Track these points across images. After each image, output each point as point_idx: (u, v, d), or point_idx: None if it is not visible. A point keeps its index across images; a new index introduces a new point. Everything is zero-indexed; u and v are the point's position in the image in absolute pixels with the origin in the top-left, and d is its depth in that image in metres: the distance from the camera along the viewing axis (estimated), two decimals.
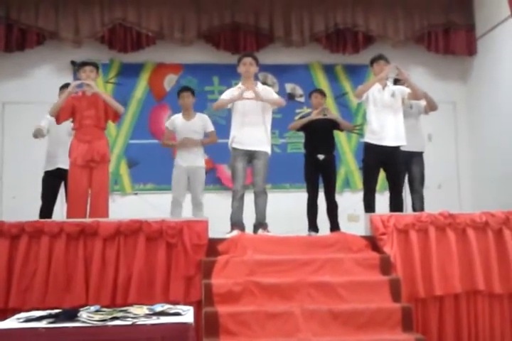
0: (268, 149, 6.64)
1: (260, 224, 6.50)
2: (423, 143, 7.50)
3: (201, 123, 7.43)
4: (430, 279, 5.73)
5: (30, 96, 8.62)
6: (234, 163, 6.59)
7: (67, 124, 6.75)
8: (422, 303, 5.75)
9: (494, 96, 9.12)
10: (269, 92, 6.74)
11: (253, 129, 6.55)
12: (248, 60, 6.66)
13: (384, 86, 6.76)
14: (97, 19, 9.18)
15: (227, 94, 6.74)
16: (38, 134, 7.13)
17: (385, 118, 6.66)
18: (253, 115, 6.56)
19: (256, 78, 7.17)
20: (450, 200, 9.14)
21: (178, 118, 7.49)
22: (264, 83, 9.10)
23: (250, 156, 6.58)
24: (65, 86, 7.21)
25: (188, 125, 7.38)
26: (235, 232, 6.27)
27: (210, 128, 7.47)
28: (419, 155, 7.39)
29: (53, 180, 7.07)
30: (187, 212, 7.22)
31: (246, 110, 6.57)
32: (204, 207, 7.22)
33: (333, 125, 7.41)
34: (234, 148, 6.60)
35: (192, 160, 7.29)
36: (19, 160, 8.76)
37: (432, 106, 7.29)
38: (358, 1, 9.56)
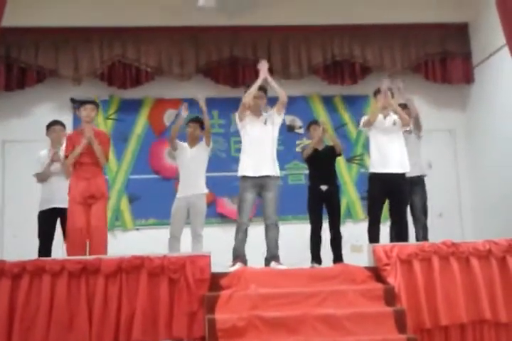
0: (278, 172, 6.65)
1: (273, 257, 6.44)
2: (423, 168, 7.55)
3: (204, 149, 7.48)
4: (435, 309, 5.70)
5: (30, 135, 8.61)
6: (243, 194, 6.51)
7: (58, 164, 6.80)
8: (428, 334, 5.70)
9: (493, 124, 9.15)
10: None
11: (263, 157, 6.54)
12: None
13: (386, 115, 6.87)
14: (97, 56, 9.27)
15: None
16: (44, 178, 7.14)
17: (387, 146, 6.74)
18: (264, 142, 6.57)
19: None
20: (452, 229, 9.13)
21: (183, 144, 7.53)
22: None
23: (260, 187, 6.52)
24: (52, 124, 7.26)
25: (192, 151, 7.43)
26: (238, 266, 6.24)
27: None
28: (419, 182, 7.40)
29: (48, 219, 7.03)
30: (187, 246, 7.20)
31: (257, 137, 6.59)
32: (205, 241, 7.19)
33: (334, 155, 7.43)
34: (244, 177, 6.54)
35: (193, 189, 7.30)
36: (20, 198, 8.73)
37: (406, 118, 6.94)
38: (354, 32, 9.65)
